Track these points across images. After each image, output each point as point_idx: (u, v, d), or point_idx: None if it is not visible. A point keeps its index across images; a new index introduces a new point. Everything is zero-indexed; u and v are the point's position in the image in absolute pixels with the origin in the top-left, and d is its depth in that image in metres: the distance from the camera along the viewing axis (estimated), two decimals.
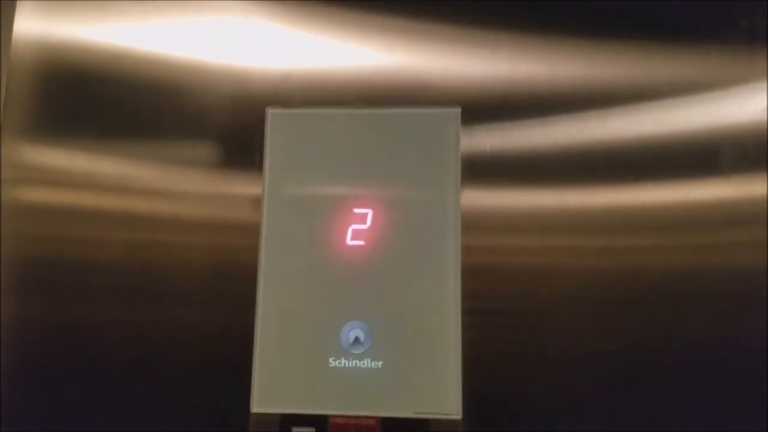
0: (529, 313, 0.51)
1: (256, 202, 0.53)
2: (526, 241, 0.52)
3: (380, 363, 0.51)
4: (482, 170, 0.52)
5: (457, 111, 0.53)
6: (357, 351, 0.51)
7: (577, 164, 0.52)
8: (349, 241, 0.52)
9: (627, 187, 0.51)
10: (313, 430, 0.50)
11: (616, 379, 0.49)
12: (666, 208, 0.51)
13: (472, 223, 0.52)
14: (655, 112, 0.52)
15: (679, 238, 0.50)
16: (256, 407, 0.50)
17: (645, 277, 0.50)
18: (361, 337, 0.51)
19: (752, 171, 0.51)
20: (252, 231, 0.52)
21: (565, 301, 0.51)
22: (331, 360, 0.51)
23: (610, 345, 0.49)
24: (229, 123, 0.54)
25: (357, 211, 0.52)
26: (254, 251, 0.52)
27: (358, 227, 0.52)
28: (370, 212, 0.52)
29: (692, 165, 0.51)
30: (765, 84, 0.51)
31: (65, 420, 0.52)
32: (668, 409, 0.49)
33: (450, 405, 0.50)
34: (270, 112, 0.54)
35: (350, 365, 0.51)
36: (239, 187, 0.54)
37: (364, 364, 0.51)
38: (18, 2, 0.57)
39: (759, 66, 0.51)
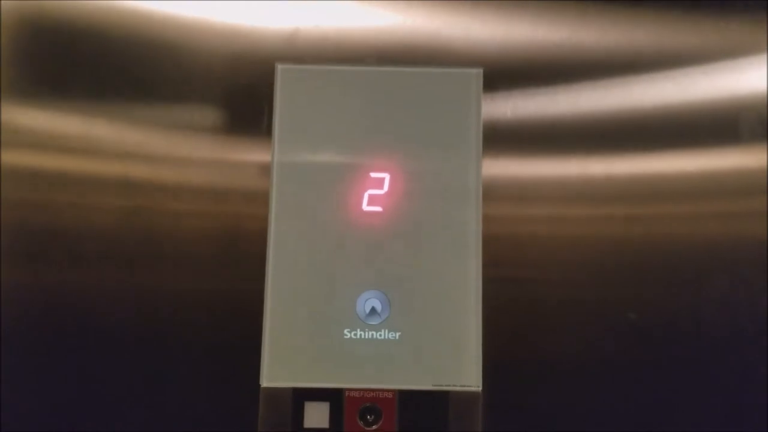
0: (551, 282, 0.50)
1: (265, 168, 0.50)
2: (547, 209, 0.51)
3: (398, 334, 0.49)
4: (503, 136, 0.51)
5: (479, 71, 0.51)
6: (373, 322, 0.49)
7: (600, 131, 0.51)
8: (365, 207, 0.50)
9: (650, 155, 0.51)
10: (327, 404, 0.48)
11: (638, 348, 0.49)
12: (689, 176, 0.51)
13: (493, 191, 0.51)
14: (678, 78, 0.52)
15: (702, 206, 0.51)
16: (266, 382, 0.48)
17: (667, 244, 0.50)
18: (378, 308, 0.49)
19: None
20: (260, 197, 0.50)
21: (587, 269, 0.50)
22: (346, 331, 0.49)
23: (633, 313, 0.49)
24: (234, 83, 0.52)
25: (373, 175, 0.50)
26: (264, 218, 0.50)
27: (375, 192, 0.50)
28: (387, 177, 0.50)
29: (715, 132, 0.51)
30: None
31: (62, 392, 0.49)
32: (690, 377, 0.49)
33: (470, 377, 0.49)
34: (280, 67, 0.51)
35: (366, 336, 0.49)
36: (245, 151, 0.51)
37: (381, 335, 0.49)
38: None
39: None
